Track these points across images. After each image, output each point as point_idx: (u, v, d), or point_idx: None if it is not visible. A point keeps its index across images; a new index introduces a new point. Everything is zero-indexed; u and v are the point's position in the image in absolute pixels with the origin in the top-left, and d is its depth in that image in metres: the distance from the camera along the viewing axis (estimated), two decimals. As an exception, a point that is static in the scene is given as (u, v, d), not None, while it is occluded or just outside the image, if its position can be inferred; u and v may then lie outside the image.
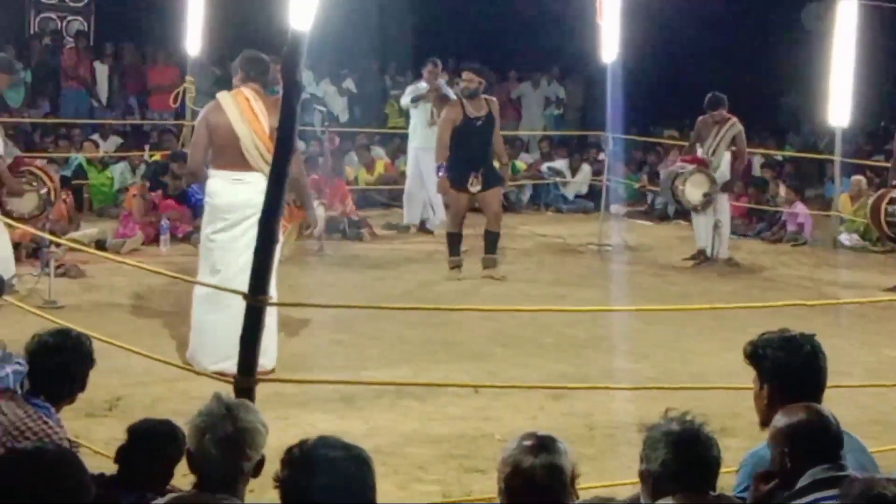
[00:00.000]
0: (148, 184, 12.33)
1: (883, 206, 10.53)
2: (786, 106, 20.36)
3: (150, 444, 3.80)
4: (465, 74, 10.65)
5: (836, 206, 13.37)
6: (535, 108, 19.13)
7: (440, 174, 10.47)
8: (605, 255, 12.26)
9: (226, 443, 3.21)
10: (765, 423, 3.65)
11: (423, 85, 13.19)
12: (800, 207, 13.82)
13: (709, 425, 3.21)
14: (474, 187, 10.32)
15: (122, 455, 3.82)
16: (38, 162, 10.33)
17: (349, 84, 17.87)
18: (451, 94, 13.47)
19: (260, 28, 12.74)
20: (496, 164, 10.70)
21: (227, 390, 4.50)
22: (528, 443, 3.05)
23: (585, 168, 16.14)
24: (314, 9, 4.59)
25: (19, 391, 4.18)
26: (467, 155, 10.29)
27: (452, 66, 18.12)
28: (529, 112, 19.09)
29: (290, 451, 2.91)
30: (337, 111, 17.05)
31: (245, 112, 7.09)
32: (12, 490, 2.60)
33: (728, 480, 3.66)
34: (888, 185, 11.01)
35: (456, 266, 10.50)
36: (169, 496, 3.32)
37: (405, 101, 13.38)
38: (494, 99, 10.87)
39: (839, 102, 12.26)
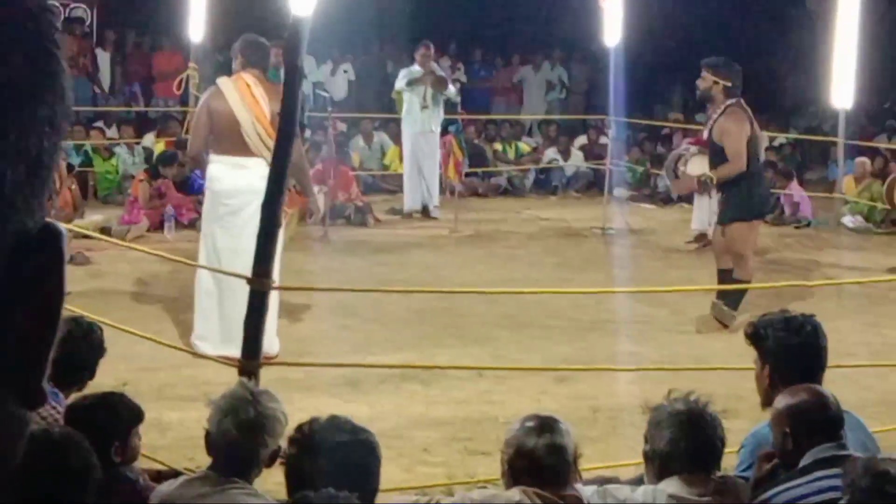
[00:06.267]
0: (146, 170, 12.29)
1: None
2: (790, 88, 20.31)
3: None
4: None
5: (840, 188, 13.34)
6: (536, 91, 19.09)
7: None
8: (609, 238, 12.26)
9: (246, 426, 3.25)
10: (766, 403, 3.68)
11: (416, 68, 13.16)
12: (794, 187, 13.80)
13: (713, 406, 3.23)
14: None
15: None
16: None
17: (348, 69, 17.84)
18: (446, 74, 13.48)
19: (263, 14, 12.73)
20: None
21: (232, 374, 4.54)
22: (530, 424, 3.08)
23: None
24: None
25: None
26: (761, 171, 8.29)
27: (454, 51, 18.15)
28: (531, 96, 19.05)
29: (299, 429, 2.95)
30: (339, 96, 17.00)
31: (245, 97, 7.07)
32: (20, 471, 2.62)
33: (730, 460, 3.68)
34: None
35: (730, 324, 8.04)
36: (182, 478, 3.35)
37: (400, 84, 13.31)
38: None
39: (843, 84, 12.22)
